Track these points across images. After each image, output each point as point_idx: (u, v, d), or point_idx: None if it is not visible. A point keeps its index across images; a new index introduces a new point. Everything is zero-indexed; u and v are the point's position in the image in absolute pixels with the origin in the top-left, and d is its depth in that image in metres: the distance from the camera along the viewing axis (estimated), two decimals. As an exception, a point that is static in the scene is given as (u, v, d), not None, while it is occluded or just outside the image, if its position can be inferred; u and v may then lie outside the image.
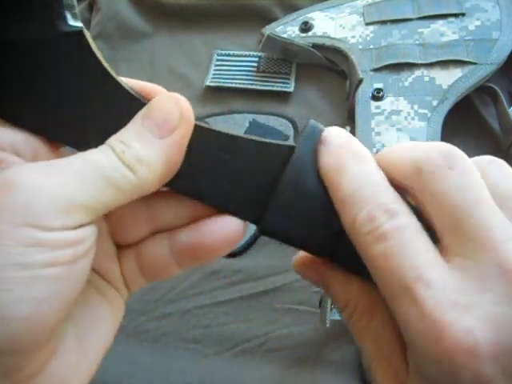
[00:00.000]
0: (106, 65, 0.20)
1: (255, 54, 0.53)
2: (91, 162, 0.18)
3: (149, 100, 0.20)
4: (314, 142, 0.20)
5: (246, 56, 0.53)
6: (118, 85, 0.20)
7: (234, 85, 0.51)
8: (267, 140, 0.21)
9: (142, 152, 0.18)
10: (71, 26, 0.19)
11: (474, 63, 0.44)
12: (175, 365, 0.39)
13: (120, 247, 0.22)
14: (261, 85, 0.51)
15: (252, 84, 0.51)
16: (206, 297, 0.42)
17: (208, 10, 0.56)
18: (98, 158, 0.18)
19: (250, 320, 0.41)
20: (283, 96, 0.50)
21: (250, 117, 0.49)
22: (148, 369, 0.39)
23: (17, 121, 0.19)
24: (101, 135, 0.19)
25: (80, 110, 0.20)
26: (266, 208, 0.20)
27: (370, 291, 0.20)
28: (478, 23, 0.46)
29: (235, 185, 0.20)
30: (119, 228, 0.22)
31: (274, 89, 0.50)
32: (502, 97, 0.44)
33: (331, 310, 0.36)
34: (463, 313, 0.15)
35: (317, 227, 0.20)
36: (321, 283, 0.22)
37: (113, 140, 0.19)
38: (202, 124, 0.20)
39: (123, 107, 0.20)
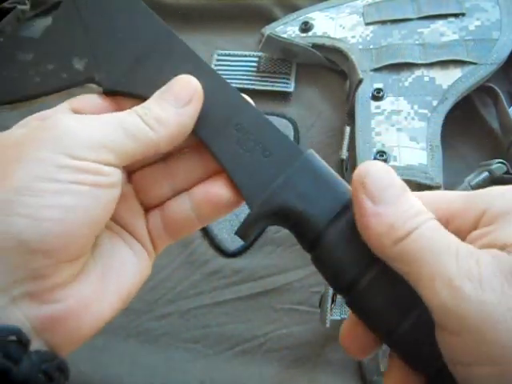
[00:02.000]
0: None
1: (255, 54, 0.53)
2: (117, 118, 0.23)
3: None
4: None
5: (245, 56, 0.53)
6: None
7: (233, 85, 0.51)
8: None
9: (161, 114, 0.23)
10: None
11: (474, 63, 0.44)
12: (175, 365, 0.39)
13: (147, 208, 0.26)
14: (261, 85, 0.51)
15: (252, 84, 0.51)
16: (206, 297, 0.42)
17: (208, 10, 0.56)
18: (124, 116, 0.23)
19: (250, 320, 0.41)
20: (283, 96, 0.50)
21: (250, 117, 0.49)
22: (148, 368, 0.39)
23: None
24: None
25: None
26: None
27: None
28: (477, 23, 0.46)
29: (252, 155, 0.23)
30: (144, 190, 0.25)
31: (274, 89, 0.50)
32: (502, 97, 0.44)
33: (331, 309, 0.36)
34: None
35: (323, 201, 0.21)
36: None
37: (138, 106, 0.23)
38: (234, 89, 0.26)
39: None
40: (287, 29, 0.52)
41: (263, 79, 0.51)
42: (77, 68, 0.25)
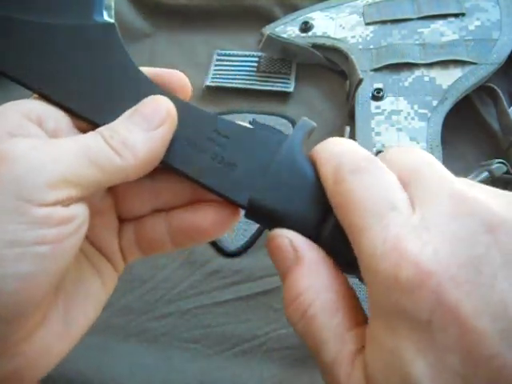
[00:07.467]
0: (128, 55, 0.23)
1: (255, 54, 0.53)
2: (81, 144, 0.20)
3: (165, 85, 0.23)
4: (304, 132, 0.23)
5: (245, 56, 0.53)
6: (139, 72, 0.23)
7: (234, 85, 0.51)
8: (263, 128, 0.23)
9: (128, 138, 0.20)
10: (106, 20, 0.24)
11: (474, 63, 0.44)
12: (175, 365, 0.39)
13: (121, 221, 0.24)
14: (261, 85, 0.51)
15: (252, 84, 0.51)
16: (206, 297, 0.42)
17: (208, 10, 0.56)
18: (88, 140, 0.20)
19: (250, 320, 0.41)
20: (283, 96, 0.50)
21: (250, 117, 0.49)
22: (148, 368, 0.39)
23: (45, 90, 0.22)
24: (114, 115, 0.22)
25: (101, 89, 0.23)
26: (256, 187, 0.21)
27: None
28: (477, 23, 0.46)
29: (229, 167, 0.22)
30: (124, 203, 0.24)
31: (274, 89, 0.50)
32: (502, 97, 0.44)
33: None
34: (421, 233, 0.17)
35: (304, 205, 0.21)
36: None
37: (103, 128, 0.21)
38: (198, 108, 0.24)
39: (140, 91, 0.23)
40: (287, 29, 0.52)
41: (263, 79, 0.51)
42: None
